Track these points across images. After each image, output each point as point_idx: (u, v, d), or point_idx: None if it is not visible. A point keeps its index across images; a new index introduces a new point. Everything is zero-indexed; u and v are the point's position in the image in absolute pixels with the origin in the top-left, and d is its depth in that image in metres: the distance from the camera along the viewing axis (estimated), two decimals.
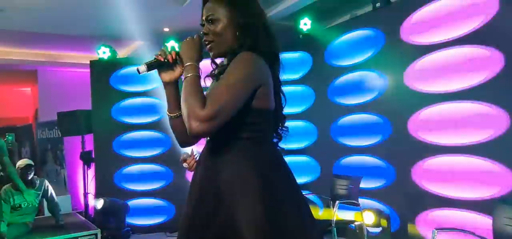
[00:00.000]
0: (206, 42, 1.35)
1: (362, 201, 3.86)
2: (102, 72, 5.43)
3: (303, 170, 5.04)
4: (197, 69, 1.26)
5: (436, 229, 2.66)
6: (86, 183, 5.66)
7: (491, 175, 3.12)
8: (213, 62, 1.42)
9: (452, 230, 3.10)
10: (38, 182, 4.14)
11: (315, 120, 4.93)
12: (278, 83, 1.40)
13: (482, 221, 3.08)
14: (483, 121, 3.18)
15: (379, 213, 3.86)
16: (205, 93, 1.22)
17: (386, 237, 3.85)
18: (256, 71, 1.25)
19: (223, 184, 1.25)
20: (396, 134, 3.89)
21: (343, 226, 3.90)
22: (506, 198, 2.97)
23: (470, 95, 3.26)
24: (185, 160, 2.01)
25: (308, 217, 1.34)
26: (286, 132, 1.47)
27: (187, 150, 1.80)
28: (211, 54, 1.38)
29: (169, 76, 1.32)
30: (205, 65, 1.33)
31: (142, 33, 5.88)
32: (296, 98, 5.08)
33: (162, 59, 1.30)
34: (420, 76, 3.66)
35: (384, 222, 3.83)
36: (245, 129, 1.27)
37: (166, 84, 1.33)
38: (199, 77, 1.26)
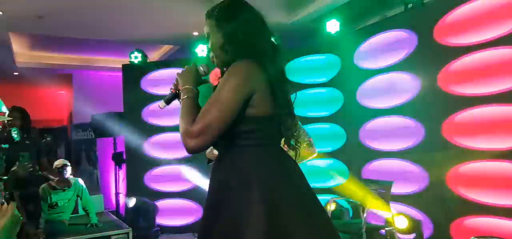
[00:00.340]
0: (210, 57, 1.46)
1: (393, 206, 3.77)
2: (133, 75, 5.58)
3: (330, 173, 4.98)
4: (191, 91, 1.36)
5: (475, 237, 2.55)
6: (117, 183, 5.83)
7: None
8: (222, 74, 1.47)
9: None
10: (73, 181, 4.29)
11: (343, 123, 4.86)
12: (281, 87, 1.39)
13: None
14: None
15: (411, 218, 3.76)
16: None
17: None
18: (245, 81, 1.28)
19: (225, 190, 1.32)
20: (430, 137, 3.77)
21: (373, 231, 3.82)
22: None
23: (509, 98, 3.13)
24: (210, 161, 2.06)
25: (321, 222, 1.34)
26: (295, 133, 1.46)
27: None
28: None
29: None
30: None
31: (172, 37, 6.01)
32: (323, 101, 5.04)
33: (175, 91, 1.45)
34: (455, 78, 3.54)
35: (416, 229, 3.73)
36: (244, 137, 1.32)
37: None
38: (194, 98, 1.36)
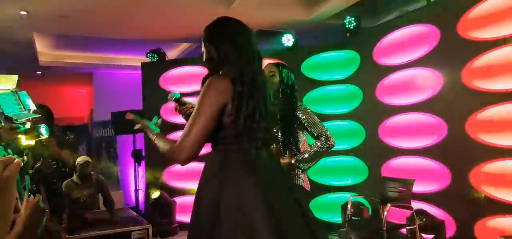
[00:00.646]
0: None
1: (414, 204, 3.69)
2: (152, 73, 5.65)
3: (349, 171, 4.92)
4: (153, 134, 1.70)
5: (502, 237, 2.47)
6: (137, 180, 5.91)
7: None
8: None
9: None
10: (94, 177, 4.37)
11: (363, 120, 4.80)
12: (253, 96, 1.54)
13: None
14: None
15: (433, 218, 3.67)
16: None
17: None
18: (217, 94, 1.50)
19: (199, 188, 1.61)
20: (452, 135, 3.68)
21: (394, 230, 3.76)
22: None
23: None
24: None
25: (285, 220, 1.47)
26: (265, 137, 1.60)
27: None
28: None
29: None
30: None
31: (190, 35, 6.04)
32: (342, 98, 4.98)
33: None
34: (480, 74, 3.43)
35: (438, 228, 3.64)
36: (220, 142, 1.57)
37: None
38: (157, 137, 1.67)
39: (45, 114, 3.58)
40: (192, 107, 1.87)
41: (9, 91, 1.94)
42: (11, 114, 1.86)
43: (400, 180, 3.79)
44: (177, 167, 5.49)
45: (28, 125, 2.08)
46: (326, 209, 4.95)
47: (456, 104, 3.64)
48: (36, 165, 3.21)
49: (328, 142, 2.19)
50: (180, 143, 1.50)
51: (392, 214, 3.84)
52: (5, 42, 5.93)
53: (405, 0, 4.83)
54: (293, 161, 2.18)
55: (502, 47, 3.25)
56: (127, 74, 7.74)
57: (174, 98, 1.92)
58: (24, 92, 1.98)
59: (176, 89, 1.76)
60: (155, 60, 5.66)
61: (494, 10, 3.33)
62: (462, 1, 3.61)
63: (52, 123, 3.71)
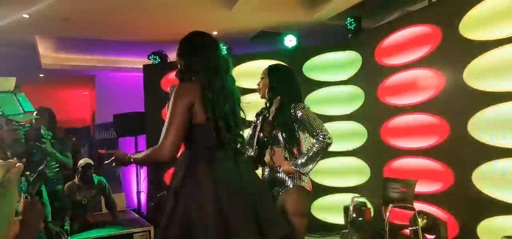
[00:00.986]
0: None
1: (416, 205, 3.68)
2: (154, 75, 5.66)
3: (351, 172, 4.91)
4: (129, 159, 1.83)
5: (505, 236, 2.46)
6: (139, 182, 5.92)
7: None
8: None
9: None
10: (97, 180, 4.38)
11: (365, 121, 4.79)
12: (219, 99, 1.74)
13: None
14: None
15: (435, 218, 3.66)
16: None
17: None
18: (185, 96, 1.70)
19: (170, 180, 1.82)
20: (455, 135, 3.66)
21: (396, 231, 3.75)
22: None
23: None
24: None
25: (231, 214, 1.63)
26: (232, 137, 1.78)
27: None
28: None
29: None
30: None
31: None
32: (344, 99, 4.98)
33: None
34: (482, 74, 3.42)
35: (440, 228, 3.63)
36: (188, 141, 1.76)
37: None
38: (134, 159, 1.81)
39: (47, 116, 3.59)
40: None
41: (8, 93, 1.96)
42: (11, 115, 1.87)
43: (402, 181, 3.78)
44: None
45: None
46: (328, 210, 4.94)
47: (459, 105, 3.63)
48: (40, 168, 3.22)
49: (325, 141, 2.14)
50: (160, 145, 1.68)
51: (394, 215, 3.83)
52: (8, 45, 5.96)
53: (407, 1, 4.82)
54: (292, 167, 2.15)
55: (503, 47, 3.23)
56: (129, 76, 7.76)
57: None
58: (23, 94, 2.00)
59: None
60: (157, 62, 5.67)
61: (495, 11, 3.32)
62: (463, 1, 3.60)
63: (54, 125, 3.72)
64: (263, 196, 1.80)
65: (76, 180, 4.25)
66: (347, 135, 4.91)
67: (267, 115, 2.35)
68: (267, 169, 2.29)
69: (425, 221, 3.64)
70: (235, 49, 5.38)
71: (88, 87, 9.12)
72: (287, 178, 2.17)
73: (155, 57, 5.66)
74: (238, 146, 1.80)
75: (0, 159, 0.82)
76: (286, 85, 2.29)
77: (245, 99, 1.95)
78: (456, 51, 3.63)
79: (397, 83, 4.33)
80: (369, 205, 4.48)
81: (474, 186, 3.44)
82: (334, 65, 5.05)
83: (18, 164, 0.80)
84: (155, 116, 5.53)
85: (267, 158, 2.27)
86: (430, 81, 3.92)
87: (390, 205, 3.52)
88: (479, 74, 3.45)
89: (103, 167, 7.21)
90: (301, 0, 4.88)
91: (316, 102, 5.00)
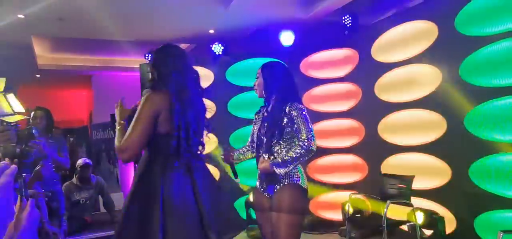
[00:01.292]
0: None
1: (414, 201, 3.69)
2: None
3: (349, 169, 4.92)
4: (119, 123, 1.93)
5: (502, 231, 2.47)
6: None
7: None
8: None
9: None
10: (95, 180, 4.38)
11: (362, 118, 4.80)
12: (184, 111, 1.84)
13: None
14: None
15: (432, 213, 3.68)
16: None
17: None
18: (153, 105, 1.80)
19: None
20: (452, 131, 3.68)
21: (394, 226, 3.76)
22: None
23: None
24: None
25: (178, 221, 1.76)
26: (190, 149, 1.86)
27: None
28: None
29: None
30: None
31: (189, 36, 6.04)
32: (341, 95, 4.98)
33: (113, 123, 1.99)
34: (478, 70, 3.43)
35: (438, 224, 3.64)
36: (149, 147, 1.86)
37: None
38: (122, 128, 1.89)
39: (45, 117, 3.58)
40: None
41: None
42: (0, 116, 1.87)
43: (400, 177, 3.79)
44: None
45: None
46: (326, 207, 4.96)
47: (455, 100, 3.63)
48: (36, 168, 3.21)
49: (309, 148, 2.08)
50: (122, 144, 1.77)
51: (392, 211, 3.84)
52: (3, 45, 5.93)
53: None
54: (269, 165, 2.13)
55: (500, 43, 3.24)
56: (126, 76, 7.73)
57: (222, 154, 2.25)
58: (12, 94, 2.00)
59: None
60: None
61: (491, 6, 3.33)
62: None
63: (52, 126, 3.71)
64: (213, 201, 1.92)
65: (74, 180, 4.24)
66: (345, 132, 4.92)
67: (265, 114, 2.35)
68: None
69: (422, 216, 3.65)
70: (231, 48, 5.37)
71: (85, 87, 9.09)
72: (283, 175, 2.16)
73: (148, 56, 5.64)
74: (198, 153, 1.93)
75: None
76: (280, 82, 2.27)
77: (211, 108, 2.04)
78: (453, 47, 3.64)
79: (393, 79, 4.34)
80: (367, 201, 4.49)
81: (471, 181, 3.45)
82: (330, 62, 5.06)
83: (12, 165, 0.80)
84: None
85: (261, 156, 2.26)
86: (427, 77, 3.93)
87: (388, 201, 3.53)
88: (475, 70, 3.46)
89: (102, 167, 7.18)
90: None
91: (313, 100, 5.01)
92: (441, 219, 3.65)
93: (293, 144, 2.16)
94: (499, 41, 3.25)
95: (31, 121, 3.46)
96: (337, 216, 4.73)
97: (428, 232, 3.74)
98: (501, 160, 3.27)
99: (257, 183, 2.31)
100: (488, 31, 3.34)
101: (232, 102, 5.24)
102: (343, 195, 4.64)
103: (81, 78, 8.23)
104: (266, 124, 2.26)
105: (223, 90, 5.26)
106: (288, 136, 2.18)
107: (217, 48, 5.35)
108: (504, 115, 3.23)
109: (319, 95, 5.03)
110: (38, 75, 7.89)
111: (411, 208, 3.62)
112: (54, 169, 3.55)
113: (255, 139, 2.36)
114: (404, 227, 3.93)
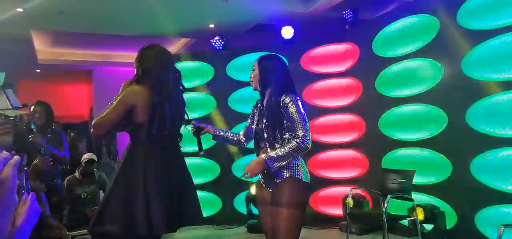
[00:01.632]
0: None
1: (415, 196, 3.69)
2: None
3: (349, 164, 4.92)
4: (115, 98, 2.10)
5: (503, 225, 2.47)
6: None
7: None
8: None
9: None
10: (97, 175, 4.38)
11: (362, 113, 4.79)
12: (163, 105, 2.05)
13: None
14: None
15: (433, 208, 3.68)
16: None
17: (441, 234, 3.66)
18: (128, 97, 2.02)
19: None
20: (453, 126, 3.67)
21: (394, 221, 3.76)
22: None
23: None
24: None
25: (156, 203, 2.00)
26: (168, 137, 2.11)
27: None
28: None
29: None
30: None
31: (189, 30, 6.03)
32: (342, 90, 4.97)
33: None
34: (480, 64, 3.42)
35: (438, 218, 3.65)
36: (131, 136, 2.10)
37: None
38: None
39: (45, 111, 3.57)
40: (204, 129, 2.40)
41: None
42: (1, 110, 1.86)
43: (400, 172, 3.79)
44: None
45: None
46: (327, 202, 4.96)
47: (457, 95, 3.62)
48: (33, 162, 3.22)
49: (304, 144, 2.05)
50: (96, 121, 1.97)
51: (393, 205, 3.85)
52: (3, 40, 5.91)
53: None
54: (263, 158, 2.11)
55: (502, 37, 3.22)
56: (126, 71, 7.71)
57: (192, 126, 2.34)
58: (10, 89, 2.00)
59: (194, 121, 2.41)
60: None
61: (493, 0, 3.31)
62: None
63: (52, 120, 3.71)
64: (184, 189, 2.18)
65: (76, 174, 4.24)
66: (345, 126, 4.91)
67: (261, 107, 2.33)
68: None
69: (423, 211, 3.65)
70: (231, 42, 5.35)
71: (85, 82, 9.08)
72: (283, 169, 2.14)
73: None
74: (175, 144, 2.17)
75: None
76: (276, 75, 2.23)
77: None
78: (454, 41, 3.63)
79: (394, 74, 4.32)
80: (367, 196, 4.49)
81: (472, 176, 3.45)
82: (331, 57, 5.04)
83: (15, 156, 0.79)
84: None
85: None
86: (427, 72, 3.92)
87: (389, 196, 3.53)
88: (477, 64, 3.44)
89: (102, 162, 7.19)
90: None
91: (314, 94, 5.00)
92: (442, 214, 3.65)
93: (289, 138, 2.13)
94: (501, 35, 3.24)
95: (31, 116, 3.45)
96: (337, 211, 4.73)
97: (428, 227, 3.75)
98: (502, 155, 3.26)
99: (260, 177, 2.30)
100: (490, 25, 3.32)
101: (232, 97, 5.23)
102: (343, 190, 4.64)
103: (81, 72, 8.22)
104: (264, 118, 2.23)
105: (223, 85, 5.25)
106: (286, 130, 2.16)
107: (218, 43, 5.33)
108: (506, 109, 3.22)
109: (320, 90, 5.02)
110: (38, 70, 7.88)
111: (412, 203, 3.62)
112: (52, 163, 3.54)
113: (252, 133, 2.34)
114: (405, 222, 3.94)
